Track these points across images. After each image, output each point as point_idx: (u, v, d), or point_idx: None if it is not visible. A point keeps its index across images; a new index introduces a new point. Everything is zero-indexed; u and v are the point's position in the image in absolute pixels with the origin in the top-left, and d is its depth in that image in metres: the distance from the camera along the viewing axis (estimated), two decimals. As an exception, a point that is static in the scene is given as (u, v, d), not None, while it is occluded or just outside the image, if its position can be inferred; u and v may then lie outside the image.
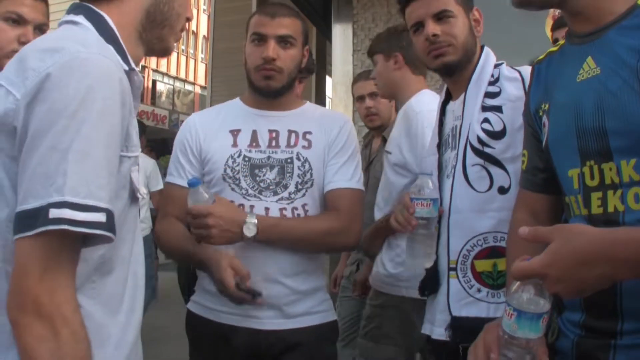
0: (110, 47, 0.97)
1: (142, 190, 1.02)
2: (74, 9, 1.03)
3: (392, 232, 2.06)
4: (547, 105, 1.16)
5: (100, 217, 0.85)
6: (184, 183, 1.68)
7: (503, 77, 1.52)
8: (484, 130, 1.48)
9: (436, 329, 1.52)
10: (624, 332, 0.98)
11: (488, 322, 1.13)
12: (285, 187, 1.64)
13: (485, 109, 1.50)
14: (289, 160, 1.66)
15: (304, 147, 1.68)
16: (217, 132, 1.70)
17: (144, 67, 19.48)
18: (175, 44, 1.15)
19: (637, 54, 0.97)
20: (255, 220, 1.52)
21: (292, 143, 1.68)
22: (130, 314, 1.01)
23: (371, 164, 2.71)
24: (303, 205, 1.64)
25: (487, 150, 1.47)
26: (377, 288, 2.18)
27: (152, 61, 21.31)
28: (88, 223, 0.84)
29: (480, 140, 1.48)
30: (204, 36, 23.00)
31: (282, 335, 1.61)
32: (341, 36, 4.54)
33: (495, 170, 1.46)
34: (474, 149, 1.48)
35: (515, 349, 0.93)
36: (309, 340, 1.62)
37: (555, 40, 2.46)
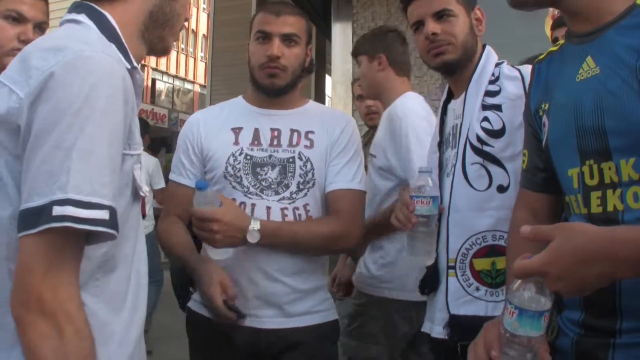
0: (113, 46, 0.97)
1: (145, 188, 1.02)
2: (75, 8, 1.03)
3: (376, 234, 2.08)
4: (547, 105, 1.17)
5: (104, 215, 0.85)
6: (185, 181, 1.72)
7: (503, 75, 1.52)
8: (484, 129, 1.48)
9: (435, 327, 1.52)
10: (623, 331, 0.98)
11: (486, 321, 1.13)
12: (287, 186, 1.64)
13: (485, 107, 1.50)
14: (290, 160, 1.66)
15: (306, 146, 1.68)
16: (219, 130, 1.71)
17: (143, 66, 19.45)
18: (174, 44, 1.16)
19: (636, 54, 0.97)
20: (259, 227, 1.53)
21: (294, 142, 1.68)
22: (134, 312, 1.01)
23: (370, 162, 2.71)
24: (304, 205, 1.64)
25: (486, 148, 1.47)
26: (360, 289, 2.18)
27: (152, 60, 21.28)
28: (91, 220, 0.84)
29: (479, 139, 1.48)
30: (203, 35, 22.97)
31: (282, 334, 1.61)
32: (341, 35, 4.54)
33: (494, 169, 1.47)
34: (473, 147, 1.48)
35: (516, 347, 0.93)
36: (309, 339, 1.62)
37: (555, 40, 2.46)
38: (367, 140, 2.97)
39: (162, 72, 22.80)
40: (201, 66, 23.19)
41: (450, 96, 1.66)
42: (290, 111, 1.73)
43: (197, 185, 1.47)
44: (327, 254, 1.92)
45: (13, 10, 1.53)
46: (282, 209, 1.62)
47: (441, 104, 1.69)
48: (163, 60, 22.08)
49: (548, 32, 3.00)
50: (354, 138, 1.74)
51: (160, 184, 4.63)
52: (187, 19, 1.14)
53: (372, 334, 2.04)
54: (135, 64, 1.02)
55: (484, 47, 1.58)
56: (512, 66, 1.55)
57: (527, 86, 1.38)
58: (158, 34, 1.09)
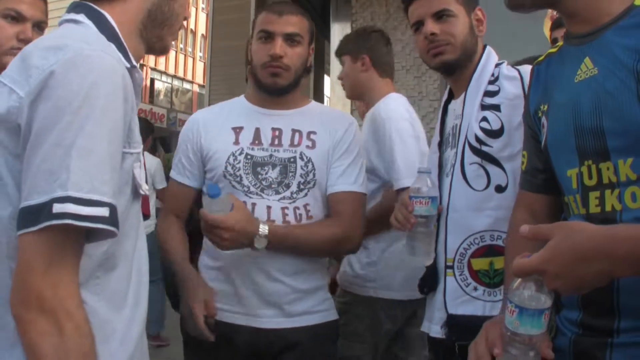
0: (112, 45, 0.97)
1: (145, 187, 1.03)
2: (74, 8, 1.03)
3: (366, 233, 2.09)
4: (546, 106, 1.17)
5: (104, 212, 0.85)
6: (185, 181, 1.74)
7: (502, 76, 1.53)
8: (482, 129, 1.48)
9: (433, 326, 1.52)
10: (621, 330, 0.98)
11: (484, 321, 1.14)
12: (288, 186, 1.64)
13: (484, 107, 1.51)
14: (291, 160, 1.66)
15: (307, 146, 1.68)
16: (219, 130, 1.71)
17: (142, 66, 19.44)
18: (173, 43, 1.16)
19: (634, 54, 0.98)
20: (267, 232, 1.53)
21: (295, 142, 1.68)
22: (135, 309, 1.01)
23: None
24: (305, 205, 1.65)
25: (484, 148, 1.48)
26: (345, 287, 2.19)
27: (151, 60, 21.28)
28: (91, 217, 0.84)
29: (478, 139, 1.48)
30: (202, 34, 22.96)
31: (282, 333, 1.61)
32: (340, 35, 4.54)
33: (492, 169, 1.47)
34: (472, 147, 1.49)
35: (518, 346, 0.94)
36: (309, 339, 1.62)
37: (554, 40, 2.47)
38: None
39: (161, 72, 22.79)
40: (200, 66, 23.19)
41: (451, 96, 1.66)
42: (291, 111, 1.73)
43: (210, 193, 1.46)
44: (329, 256, 1.94)
45: (12, 10, 1.53)
46: (283, 209, 1.62)
47: (442, 104, 1.69)
48: (162, 60, 22.07)
49: (547, 33, 3.01)
50: (356, 139, 1.75)
51: (162, 183, 4.66)
52: (186, 18, 1.14)
53: (357, 333, 2.04)
54: (134, 63, 1.02)
55: (484, 47, 1.59)
56: (512, 66, 1.56)
57: (526, 86, 1.39)
58: (157, 33, 1.09)
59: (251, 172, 1.64)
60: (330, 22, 4.65)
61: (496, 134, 1.48)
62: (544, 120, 1.17)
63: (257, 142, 1.68)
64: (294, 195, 1.64)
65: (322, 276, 1.74)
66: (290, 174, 1.64)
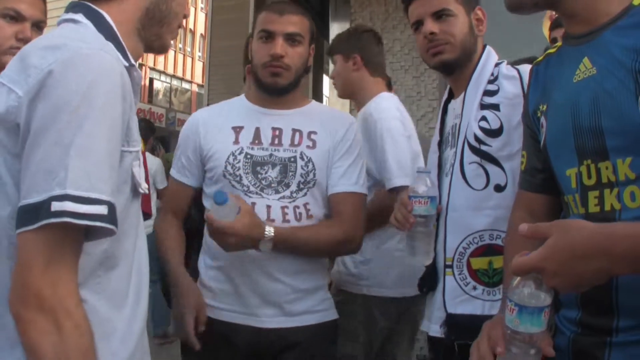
0: (110, 44, 0.97)
1: (144, 185, 1.03)
2: (72, 8, 1.03)
3: None
4: (545, 107, 1.17)
5: (102, 210, 0.85)
6: (184, 180, 1.75)
7: (502, 75, 1.53)
8: (481, 128, 1.49)
9: (433, 325, 1.52)
10: (620, 330, 0.99)
11: (483, 320, 1.14)
12: (287, 185, 1.64)
13: (483, 106, 1.51)
14: (292, 159, 1.66)
15: (308, 146, 1.68)
16: (220, 129, 1.71)
17: (141, 65, 19.44)
18: (172, 42, 1.16)
19: (632, 54, 0.98)
20: (272, 235, 1.53)
21: (296, 142, 1.68)
22: (136, 308, 1.02)
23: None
24: (305, 204, 1.65)
25: (483, 148, 1.48)
26: (339, 286, 2.20)
27: (150, 60, 21.27)
28: (90, 215, 0.84)
29: (477, 138, 1.49)
30: (201, 34, 22.94)
31: (282, 333, 1.61)
32: (339, 35, 4.54)
33: (491, 168, 1.47)
34: (471, 146, 1.49)
35: (518, 344, 0.94)
36: (309, 338, 1.63)
37: (553, 40, 2.47)
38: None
39: (160, 72, 22.78)
40: (199, 66, 23.18)
41: (451, 96, 1.66)
42: (292, 111, 1.73)
43: (216, 200, 1.45)
44: (331, 256, 1.95)
45: (11, 9, 1.53)
46: (282, 207, 1.62)
47: (442, 103, 1.69)
48: (161, 59, 22.07)
49: (546, 32, 3.01)
50: (357, 140, 1.75)
51: (164, 183, 4.68)
52: (185, 16, 1.14)
53: (350, 331, 2.04)
54: (132, 61, 1.02)
55: (484, 47, 1.59)
56: (511, 66, 1.56)
57: (525, 85, 1.39)
58: (155, 32, 1.09)
59: (251, 172, 1.64)
60: (329, 21, 4.65)
61: (495, 133, 1.48)
62: (543, 120, 1.17)
63: (257, 141, 1.68)
64: (294, 195, 1.64)
65: (322, 276, 1.75)
66: (291, 174, 1.64)
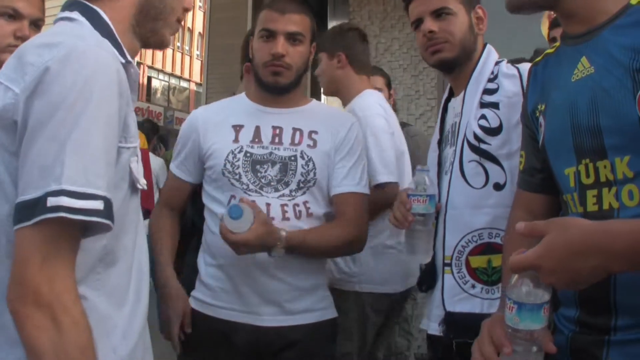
0: (106, 41, 0.98)
1: (142, 181, 1.02)
2: (68, 6, 1.04)
3: None
4: (543, 106, 1.17)
5: (98, 205, 0.85)
6: (182, 176, 1.77)
7: (501, 74, 1.53)
8: (481, 127, 1.49)
9: (431, 324, 1.53)
10: (618, 328, 0.99)
11: (482, 318, 1.13)
12: (287, 184, 1.64)
13: (483, 105, 1.51)
14: (292, 158, 1.66)
15: (309, 146, 1.68)
16: (219, 127, 1.71)
17: (139, 64, 19.43)
18: (171, 37, 1.16)
19: (630, 53, 0.98)
20: (284, 244, 1.53)
21: (296, 141, 1.68)
22: (136, 304, 1.02)
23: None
24: (304, 203, 1.65)
25: (483, 146, 1.48)
26: (331, 284, 2.20)
27: (148, 58, 21.26)
28: (86, 210, 0.84)
29: (476, 137, 1.49)
30: (199, 33, 22.91)
31: (281, 332, 1.61)
32: (337, 34, 4.54)
33: (491, 167, 1.47)
34: (470, 145, 1.49)
35: (519, 342, 0.94)
36: (308, 337, 1.63)
37: (552, 39, 2.47)
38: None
39: (158, 70, 22.76)
40: (197, 64, 23.15)
41: (452, 94, 1.66)
42: (292, 109, 1.73)
43: (232, 215, 1.45)
44: (337, 257, 1.97)
45: (9, 7, 1.53)
46: (282, 206, 1.62)
47: (442, 102, 1.69)
48: (159, 58, 22.04)
49: (545, 32, 3.01)
50: (358, 140, 1.75)
51: None
52: (187, 10, 1.13)
53: (344, 329, 2.05)
54: (129, 58, 1.02)
55: (485, 45, 1.59)
56: (512, 64, 1.56)
57: (524, 84, 1.39)
58: (149, 28, 1.09)
59: (250, 170, 1.64)
60: (327, 20, 4.65)
61: (495, 131, 1.48)
62: (541, 119, 1.17)
63: (257, 140, 1.68)
64: (293, 193, 1.64)
65: (321, 274, 1.75)
66: (291, 172, 1.64)
